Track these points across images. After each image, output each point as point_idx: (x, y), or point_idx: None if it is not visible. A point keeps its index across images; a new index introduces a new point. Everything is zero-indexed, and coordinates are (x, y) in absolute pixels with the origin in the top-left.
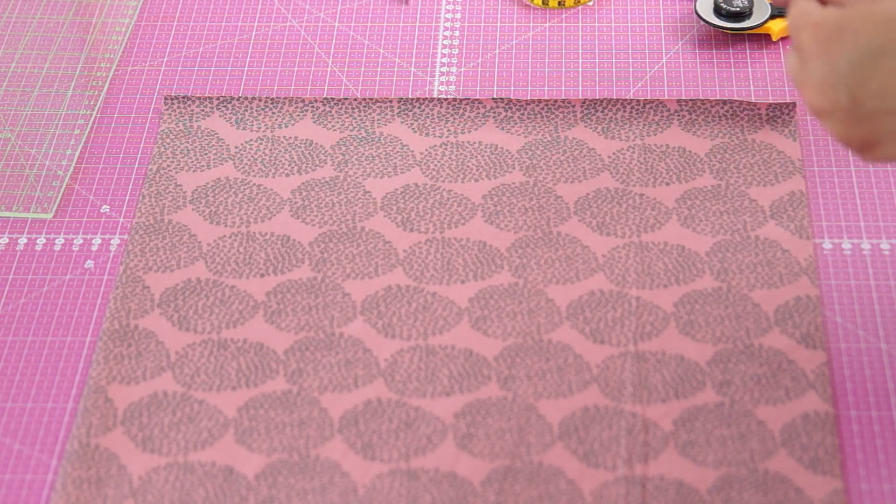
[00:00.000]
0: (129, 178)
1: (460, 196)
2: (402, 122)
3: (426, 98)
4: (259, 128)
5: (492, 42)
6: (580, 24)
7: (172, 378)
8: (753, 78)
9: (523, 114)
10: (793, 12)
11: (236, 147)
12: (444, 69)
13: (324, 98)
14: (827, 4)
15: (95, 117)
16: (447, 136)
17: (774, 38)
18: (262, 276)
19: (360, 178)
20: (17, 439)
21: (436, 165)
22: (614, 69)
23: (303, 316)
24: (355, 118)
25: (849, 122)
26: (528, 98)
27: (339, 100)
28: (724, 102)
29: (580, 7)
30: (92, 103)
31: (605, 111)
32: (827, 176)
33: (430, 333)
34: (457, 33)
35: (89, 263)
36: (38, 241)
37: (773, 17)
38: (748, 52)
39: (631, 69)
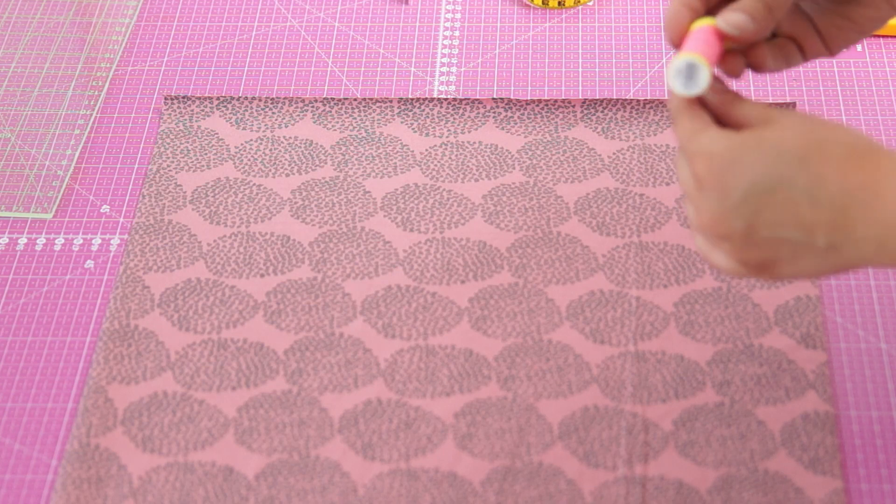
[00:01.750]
0: (129, 178)
1: (460, 196)
2: (402, 122)
3: (426, 98)
4: (259, 128)
5: (492, 42)
6: (580, 24)
7: (172, 378)
8: (754, 78)
9: (523, 114)
10: (684, 132)
11: (236, 147)
12: (444, 69)
13: (324, 98)
14: (720, 118)
15: (95, 117)
16: (447, 136)
17: None
18: (262, 276)
19: (360, 178)
20: (17, 439)
21: (436, 165)
22: (614, 69)
23: (303, 316)
24: (355, 118)
25: (744, 248)
26: (528, 98)
27: (339, 100)
28: None
29: (580, 7)
30: (92, 103)
31: (605, 111)
32: None
33: (430, 333)
34: (457, 33)
35: (89, 263)
36: (38, 241)
37: None
38: None
39: (631, 69)
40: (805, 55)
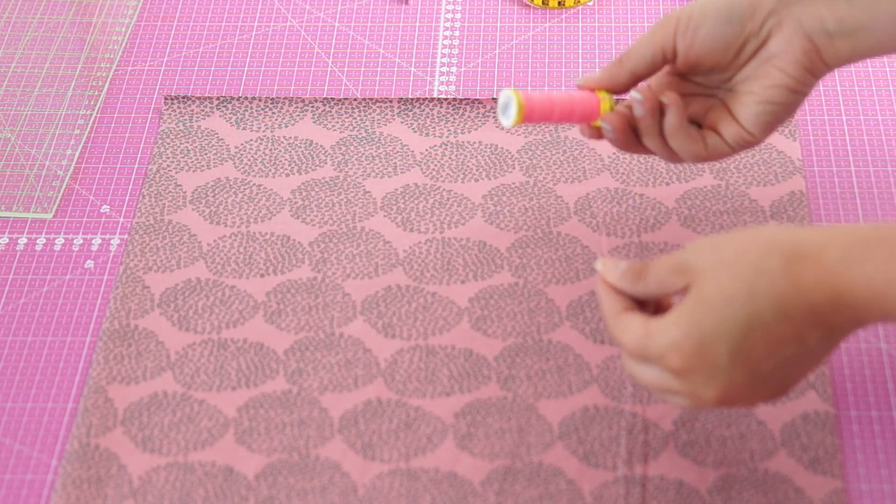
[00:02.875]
0: (129, 178)
1: (460, 196)
2: (402, 122)
3: (426, 98)
4: (259, 128)
5: (492, 42)
6: (580, 24)
7: (172, 378)
8: None
9: None
10: (630, 339)
11: (236, 147)
12: (444, 69)
13: (324, 98)
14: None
15: (95, 117)
16: (447, 136)
17: None
18: (263, 276)
19: (360, 178)
20: (17, 439)
21: (436, 165)
22: None
23: (303, 316)
24: (355, 118)
25: (758, 393)
26: None
27: (339, 100)
28: None
29: (580, 7)
30: (92, 103)
31: None
32: (827, 176)
33: (430, 333)
34: (457, 33)
35: (89, 263)
36: (38, 241)
37: None
38: None
39: None
40: (728, 143)
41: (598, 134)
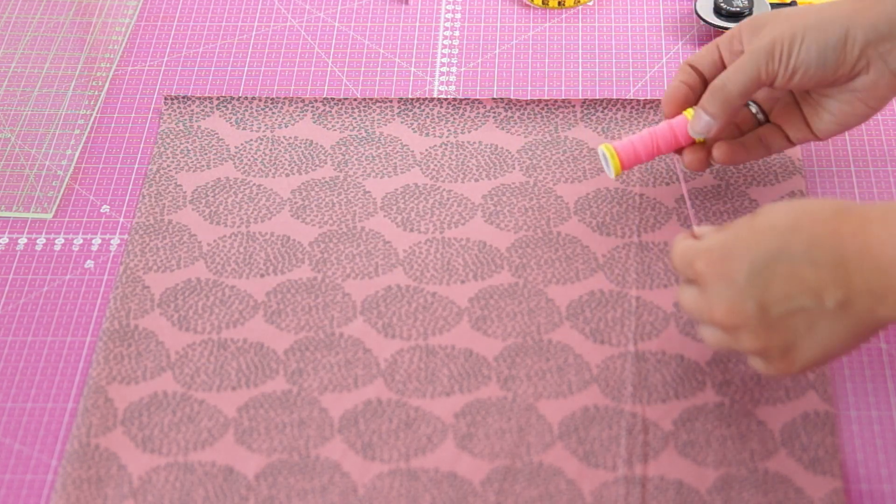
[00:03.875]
0: (129, 178)
1: (460, 196)
2: (402, 122)
3: (426, 98)
4: (259, 128)
5: (492, 42)
6: (580, 24)
7: (172, 378)
8: None
9: (523, 114)
10: (676, 251)
11: (236, 147)
12: (444, 69)
13: (324, 98)
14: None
15: (95, 117)
16: (447, 136)
17: None
18: (262, 276)
19: (360, 178)
20: (17, 439)
21: (436, 165)
22: (614, 69)
23: (303, 316)
24: (355, 118)
25: (762, 332)
26: (528, 98)
27: (339, 100)
28: None
29: (580, 7)
30: (92, 103)
31: (605, 111)
32: (827, 176)
33: (430, 333)
34: (457, 33)
35: (89, 263)
36: (38, 241)
37: None
38: None
39: (631, 69)
40: (791, 140)
41: (697, 160)
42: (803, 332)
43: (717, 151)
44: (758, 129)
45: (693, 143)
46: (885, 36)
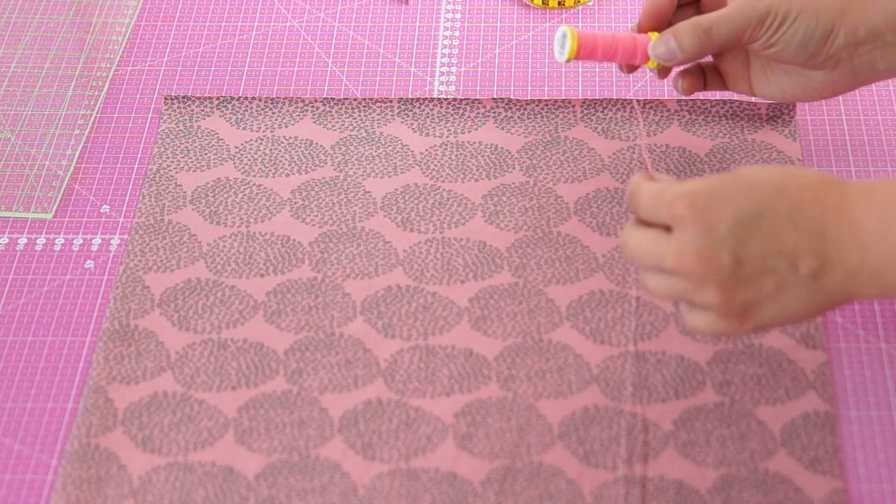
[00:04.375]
0: (129, 178)
1: (460, 196)
2: (402, 122)
3: (426, 98)
4: (259, 128)
5: (492, 42)
6: (580, 25)
7: (172, 378)
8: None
9: (523, 114)
10: (646, 190)
11: (236, 147)
12: (444, 69)
13: (324, 98)
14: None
15: (95, 117)
16: (447, 136)
17: None
18: (262, 276)
19: (360, 178)
20: (17, 439)
21: (436, 165)
22: (614, 69)
23: (303, 316)
24: (355, 118)
25: (729, 286)
26: (528, 98)
27: (339, 100)
28: (724, 102)
29: (580, 7)
30: (92, 103)
31: (605, 111)
32: None
33: (430, 333)
34: (457, 33)
35: (89, 263)
36: (38, 241)
37: None
38: None
39: None
40: (726, 86)
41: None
42: (770, 293)
43: (683, 83)
44: (699, 63)
45: (646, 61)
46: (862, 40)
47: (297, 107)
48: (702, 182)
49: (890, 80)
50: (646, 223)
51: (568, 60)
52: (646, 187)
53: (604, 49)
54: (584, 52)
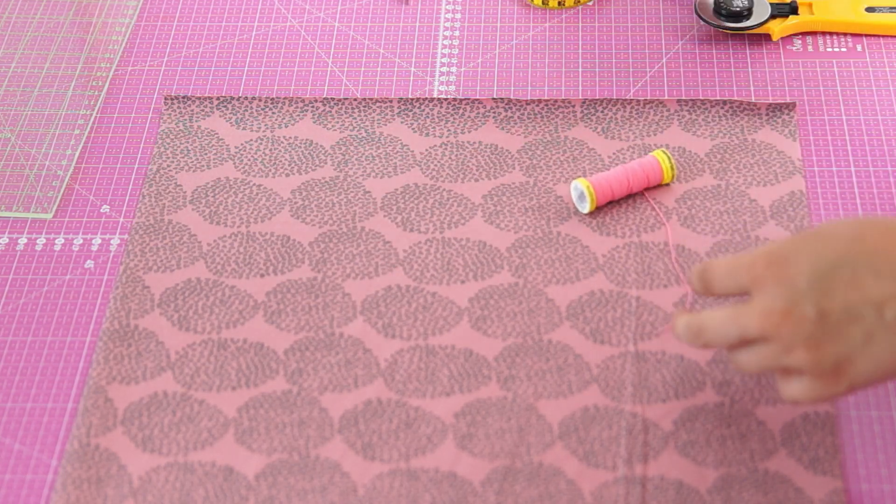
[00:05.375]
0: (129, 178)
1: (460, 196)
2: (402, 122)
3: (426, 98)
4: (259, 128)
5: (492, 42)
6: (580, 24)
7: (172, 378)
8: (753, 78)
9: (523, 114)
10: (718, 268)
11: (236, 147)
12: (444, 69)
13: (324, 98)
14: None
15: (95, 117)
16: (447, 136)
17: (774, 38)
18: (262, 276)
19: (360, 178)
20: (17, 439)
21: (436, 165)
22: (614, 69)
23: (303, 316)
24: (355, 118)
25: (817, 341)
26: (528, 98)
27: (339, 100)
28: (724, 102)
29: (580, 7)
30: (92, 103)
31: (605, 111)
32: (827, 176)
33: (430, 333)
34: (457, 33)
35: (89, 263)
36: (38, 241)
37: (773, 17)
38: (748, 51)
39: (631, 69)
40: None
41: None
42: (859, 344)
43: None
44: None
45: (659, 181)
46: None
47: (297, 107)
48: (779, 241)
49: (890, 80)
50: (718, 295)
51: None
52: (718, 261)
53: (618, 191)
54: (602, 199)
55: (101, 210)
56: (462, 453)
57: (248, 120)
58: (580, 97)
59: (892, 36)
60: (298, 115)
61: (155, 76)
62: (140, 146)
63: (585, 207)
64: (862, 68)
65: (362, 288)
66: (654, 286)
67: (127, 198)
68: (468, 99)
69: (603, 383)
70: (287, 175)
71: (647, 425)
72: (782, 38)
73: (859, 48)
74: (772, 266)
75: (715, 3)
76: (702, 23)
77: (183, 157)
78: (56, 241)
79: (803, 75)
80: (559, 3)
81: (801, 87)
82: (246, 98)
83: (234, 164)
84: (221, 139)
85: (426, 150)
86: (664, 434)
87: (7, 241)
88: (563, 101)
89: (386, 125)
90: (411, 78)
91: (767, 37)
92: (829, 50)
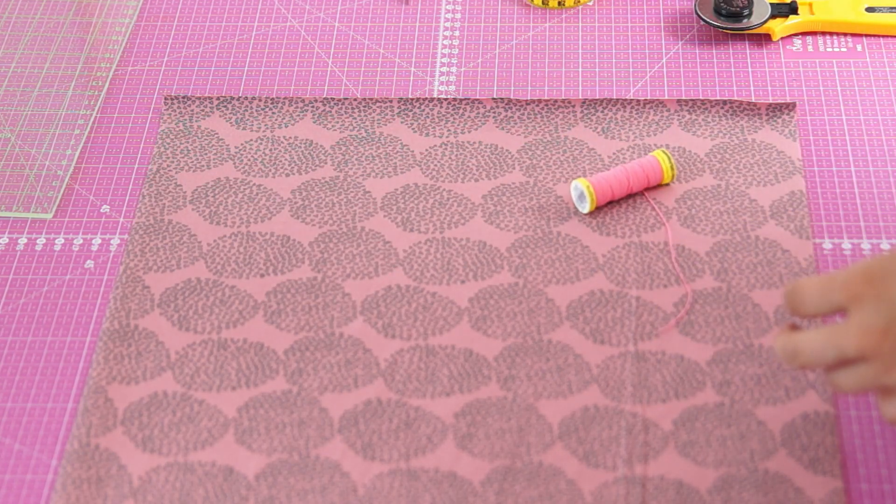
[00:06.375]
0: (129, 178)
1: (460, 196)
2: (402, 122)
3: (426, 98)
4: (259, 128)
5: (492, 42)
6: (580, 24)
7: (172, 378)
8: (753, 78)
9: (523, 114)
10: (815, 282)
11: (236, 147)
12: (444, 69)
13: (324, 98)
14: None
15: (95, 117)
16: (447, 136)
17: (774, 38)
18: (262, 276)
19: (360, 178)
20: (17, 439)
21: (436, 165)
22: (614, 69)
23: (303, 316)
24: (355, 118)
25: None
26: (528, 98)
27: (339, 100)
28: (724, 102)
29: (580, 7)
30: (92, 103)
31: (605, 111)
32: (827, 176)
33: (430, 333)
34: (457, 33)
35: (89, 263)
36: (38, 241)
37: (772, 16)
38: (748, 52)
39: (631, 69)
40: None
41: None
42: None
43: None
44: None
45: (659, 181)
46: None
47: (297, 107)
48: (876, 257)
49: (890, 80)
50: (808, 317)
51: (590, 212)
52: (809, 280)
53: (618, 191)
54: (602, 199)
55: (101, 210)
56: (462, 453)
57: (248, 120)
58: (580, 97)
59: (892, 36)
60: (298, 115)
61: (155, 76)
62: (140, 146)
63: (585, 207)
64: (862, 68)
65: (362, 288)
66: (654, 286)
67: (127, 198)
68: (468, 99)
69: (603, 383)
70: (287, 175)
71: (647, 425)
72: (782, 38)
73: (859, 48)
74: (870, 282)
75: (715, 2)
76: (702, 23)
77: (183, 157)
78: (56, 241)
79: (803, 75)
80: (559, 3)
81: (801, 87)
82: (246, 98)
83: (234, 164)
84: (221, 139)
85: (426, 150)
86: (664, 434)
87: (7, 241)
88: (562, 101)
89: (386, 125)
90: (411, 78)
91: (767, 37)
92: (829, 50)
